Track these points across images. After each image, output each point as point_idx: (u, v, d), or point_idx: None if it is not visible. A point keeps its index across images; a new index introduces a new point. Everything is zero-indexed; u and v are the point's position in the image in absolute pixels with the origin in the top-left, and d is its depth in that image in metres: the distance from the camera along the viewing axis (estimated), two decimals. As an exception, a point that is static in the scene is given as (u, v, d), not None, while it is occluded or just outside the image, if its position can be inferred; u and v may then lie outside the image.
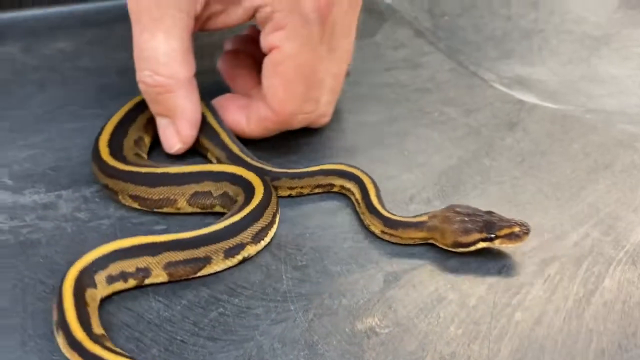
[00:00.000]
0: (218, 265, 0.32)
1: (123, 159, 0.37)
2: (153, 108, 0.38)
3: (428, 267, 0.33)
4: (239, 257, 0.33)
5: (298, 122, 0.39)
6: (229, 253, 0.32)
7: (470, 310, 0.31)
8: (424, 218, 0.34)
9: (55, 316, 0.28)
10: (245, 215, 0.33)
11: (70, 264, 0.32)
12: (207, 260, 0.32)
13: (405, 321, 0.30)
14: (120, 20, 0.54)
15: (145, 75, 0.36)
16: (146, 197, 0.36)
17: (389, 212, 0.35)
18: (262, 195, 0.34)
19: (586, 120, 0.45)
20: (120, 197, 0.36)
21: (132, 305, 0.31)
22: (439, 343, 0.29)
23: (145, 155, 0.40)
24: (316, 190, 0.38)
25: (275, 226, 0.34)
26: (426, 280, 0.32)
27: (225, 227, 0.32)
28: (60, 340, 0.28)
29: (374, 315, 0.30)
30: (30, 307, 0.31)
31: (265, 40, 0.37)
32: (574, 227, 0.36)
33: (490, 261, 0.34)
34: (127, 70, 0.48)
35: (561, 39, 0.57)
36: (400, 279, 0.32)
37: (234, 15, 0.37)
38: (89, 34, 0.53)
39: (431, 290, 0.32)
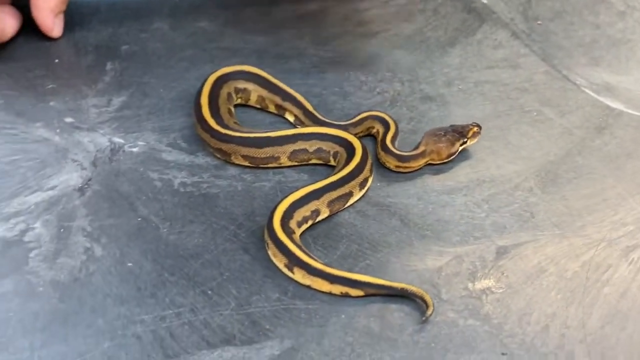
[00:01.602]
0: (357, 195, 0.43)
1: (228, 127, 0.46)
2: None
3: (531, 244, 0.41)
4: (367, 187, 0.44)
5: None
6: (362, 185, 0.43)
7: (567, 282, 0.38)
8: (422, 148, 0.46)
9: (284, 261, 0.37)
10: (361, 157, 0.44)
11: (246, 215, 0.41)
12: (350, 194, 0.42)
13: (515, 285, 0.38)
14: (249, 4, 0.62)
15: None
16: (255, 156, 0.45)
17: (399, 150, 0.46)
18: (359, 141, 0.45)
19: (667, 129, 0.51)
20: (232, 157, 0.45)
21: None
22: (543, 304, 0.37)
23: (238, 122, 0.48)
24: (366, 133, 0.48)
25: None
26: (530, 255, 0.40)
27: (355, 167, 0.43)
28: (299, 274, 0.37)
29: (490, 278, 0.38)
30: (220, 246, 0.39)
31: None
32: (654, 222, 0.43)
33: (582, 245, 0.41)
34: (264, 53, 0.57)
35: (646, 51, 0.62)
36: (510, 252, 0.40)
37: None
38: (224, 15, 0.61)
39: (535, 263, 0.39)
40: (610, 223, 0.42)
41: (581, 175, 0.47)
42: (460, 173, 0.46)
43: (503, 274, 0.39)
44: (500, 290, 0.38)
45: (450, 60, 0.58)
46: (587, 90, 0.56)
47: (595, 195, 0.45)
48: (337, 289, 0.36)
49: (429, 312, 0.35)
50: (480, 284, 0.38)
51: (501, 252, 0.40)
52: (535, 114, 0.53)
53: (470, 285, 0.38)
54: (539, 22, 0.66)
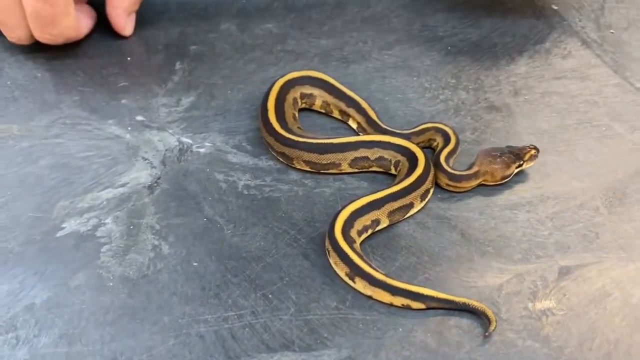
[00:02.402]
0: (417, 207, 0.43)
1: (292, 132, 0.47)
2: None
3: (595, 266, 0.40)
4: (428, 198, 0.44)
5: None
6: (423, 197, 0.43)
7: (633, 308, 0.38)
8: (476, 168, 0.44)
9: (345, 270, 0.38)
10: (424, 167, 0.44)
11: (306, 221, 0.42)
12: (411, 205, 0.43)
13: (577, 308, 0.37)
14: (314, 6, 0.62)
15: None
16: (317, 162, 0.45)
17: (451, 168, 0.45)
18: (422, 152, 0.45)
19: None
20: (295, 162, 0.46)
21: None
22: (606, 329, 0.36)
23: (302, 127, 0.49)
24: (427, 144, 0.48)
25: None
26: (594, 277, 0.39)
27: (417, 178, 0.43)
28: (360, 284, 0.37)
29: (551, 299, 0.38)
30: (281, 250, 0.40)
31: None
32: None
33: (650, 269, 0.40)
34: (328, 57, 0.57)
35: None
36: (572, 273, 0.39)
37: None
38: (291, 17, 0.61)
39: (598, 286, 0.39)
40: (681, 248, 0.41)
41: (651, 196, 0.45)
42: (524, 188, 0.45)
43: (565, 295, 0.38)
44: (562, 312, 0.37)
45: (517, 69, 0.57)
46: (661, 105, 0.54)
47: (665, 218, 0.44)
48: (398, 300, 0.37)
49: (492, 327, 0.35)
50: (541, 305, 0.37)
51: (564, 272, 0.39)
52: (604, 128, 0.51)
53: (530, 305, 0.37)
54: (611, 31, 0.63)
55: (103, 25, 0.58)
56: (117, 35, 0.58)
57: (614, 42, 0.61)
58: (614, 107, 0.53)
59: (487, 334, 0.35)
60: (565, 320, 0.37)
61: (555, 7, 0.65)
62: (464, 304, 0.36)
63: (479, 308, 0.36)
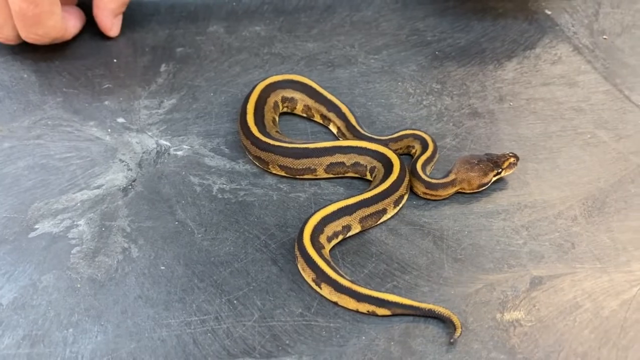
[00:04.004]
0: (390, 213, 0.43)
1: (269, 136, 0.46)
2: None
3: (569, 277, 0.39)
4: (402, 204, 0.43)
5: None
6: (396, 203, 0.43)
7: (603, 320, 0.37)
8: (453, 176, 0.44)
9: (312, 275, 0.38)
10: (399, 174, 0.43)
11: (278, 226, 0.42)
12: (384, 211, 0.42)
13: (546, 319, 0.37)
14: (302, 10, 0.62)
15: None
16: (292, 167, 0.45)
17: (428, 176, 0.44)
18: (398, 158, 0.45)
19: None
20: (270, 167, 0.46)
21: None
22: (574, 342, 0.36)
23: (280, 131, 0.48)
24: (405, 151, 0.48)
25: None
26: (566, 288, 0.39)
27: (392, 184, 0.43)
28: (326, 290, 0.37)
29: (520, 310, 0.37)
30: (250, 255, 0.40)
31: None
32: None
33: (624, 281, 0.39)
34: (314, 60, 0.57)
35: None
36: (544, 284, 0.39)
37: None
38: (279, 20, 0.61)
39: (570, 298, 0.38)
40: (659, 260, 0.40)
41: (631, 206, 0.44)
42: (502, 196, 0.45)
43: (535, 306, 0.37)
44: (530, 324, 0.36)
45: (504, 75, 0.57)
46: (649, 113, 0.53)
47: (645, 229, 0.43)
48: (364, 307, 0.36)
49: (457, 333, 0.35)
50: (510, 315, 0.37)
51: (535, 282, 0.39)
52: (588, 136, 0.50)
53: (498, 315, 0.37)
54: (604, 37, 0.62)
55: (92, 27, 0.58)
56: (105, 37, 0.58)
57: (607, 48, 0.60)
58: (601, 115, 0.52)
59: (452, 340, 0.35)
60: (533, 332, 0.36)
61: (549, 12, 0.64)
62: (429, 310, 0.36)
63: (444, 314, 0.36)
